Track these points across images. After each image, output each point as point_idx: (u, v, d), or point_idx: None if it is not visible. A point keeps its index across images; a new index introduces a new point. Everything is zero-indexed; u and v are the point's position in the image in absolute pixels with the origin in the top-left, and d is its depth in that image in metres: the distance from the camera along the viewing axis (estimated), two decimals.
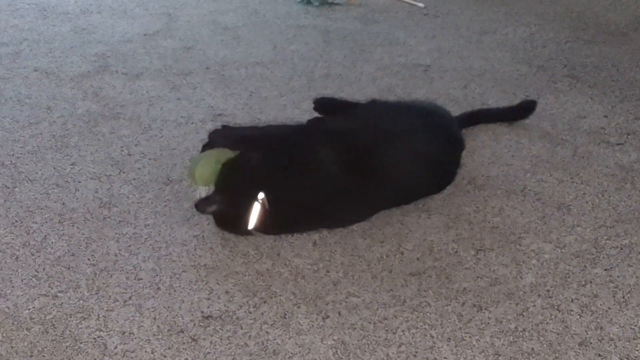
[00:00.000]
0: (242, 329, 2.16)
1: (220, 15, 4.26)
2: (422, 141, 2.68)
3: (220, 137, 2.69)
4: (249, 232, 2.50)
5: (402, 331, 2.16)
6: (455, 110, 3.13)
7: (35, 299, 2.25)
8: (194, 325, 2.17)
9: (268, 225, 2.49)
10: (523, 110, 3.20)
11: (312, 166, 2.55)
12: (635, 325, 2.20)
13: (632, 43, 3.99)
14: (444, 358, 2.08)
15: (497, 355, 2.09)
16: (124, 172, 2.82)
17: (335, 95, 3.36)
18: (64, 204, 2.66)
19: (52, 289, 2.29)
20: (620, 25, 4.21)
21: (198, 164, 2.54)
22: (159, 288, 2.30)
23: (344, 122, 2.77)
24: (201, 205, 2.50)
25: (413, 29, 4.14)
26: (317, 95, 3.33)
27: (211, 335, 2.13)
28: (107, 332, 2.14)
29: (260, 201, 2.45)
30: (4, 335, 2.12)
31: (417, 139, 2.68)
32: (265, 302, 2.26)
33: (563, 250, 2.48)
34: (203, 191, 2.53)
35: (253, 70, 3.63)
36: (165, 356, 2.07)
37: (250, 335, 2.14)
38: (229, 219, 2.52)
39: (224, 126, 2.85)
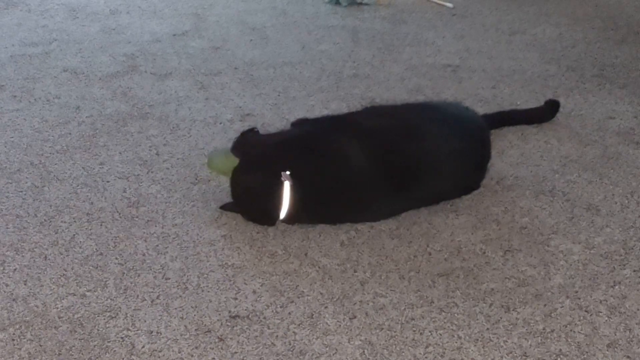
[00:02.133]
0: (269, 328, 2.16)
1: (248, 16, 4.26)
2: (451, 140, 2.67)
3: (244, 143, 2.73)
4: (275, 221, 2.53)
5: (430, 332, 2.16)
6: (484, 111, 3.11)
7: (63, 298, 2.26)
8: (221, 325, 2.17)
9: (297, 212, 2.51)
10: (548, 112, 3.19)
11: (340, 156, 2.57)
12: None
13: None
14: (472, 359, 2.08)
15: (524, 357, 2.08)
16: (152, 172, 2.83)
17: (364, 95, 3.36)
18: (92, 203, 2.67)
19: (80, 288, 2.30)
20: None
21: (215, 155, 2.78)
22: (186, 288, 2.30)
23: (373, 119, 2.77)
24: (227, 205, 2.60)
25: (442, 29, 4.13)
26: (345, 94, 3.34)
27: (238, 335, 2.14)
28: (134, 331, 2.15)
29: (288, 180, 2.48)
30: (33, 334, 2.13)
31: (447, 137, 2.67)
32: (292, 302, 2.26)
33: (592, 251, 2.47)
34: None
35: (281, 71, 3.63)
36: (192, 356, 2.07)
37: (277, 335, 2.14)
38: (259, 208, 2.55)
39: (250, 130, 2.85)
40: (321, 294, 2.29)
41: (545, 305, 2.25)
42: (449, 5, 4.42)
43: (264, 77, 3.56)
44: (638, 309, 2.24)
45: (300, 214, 2.54)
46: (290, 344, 2.11)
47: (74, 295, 2.27)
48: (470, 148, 2.71)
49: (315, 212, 2.57)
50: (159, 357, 2.07)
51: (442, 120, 2.75)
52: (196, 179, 2.79)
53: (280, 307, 2.24)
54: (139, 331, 2.15)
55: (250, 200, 2.56)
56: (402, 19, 4.25)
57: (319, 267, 2.39)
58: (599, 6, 4.45)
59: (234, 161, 2.60)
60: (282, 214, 2.51)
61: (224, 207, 2.60)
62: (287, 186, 2.48)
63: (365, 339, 2.13)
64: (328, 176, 2.55)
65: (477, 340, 2.13)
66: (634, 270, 2.39)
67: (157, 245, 2.48)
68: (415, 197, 2.62)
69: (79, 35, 3.98)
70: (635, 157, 2.95)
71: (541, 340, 2.13)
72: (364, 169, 2.55)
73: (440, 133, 2.67)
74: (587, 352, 2.10)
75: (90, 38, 3.95)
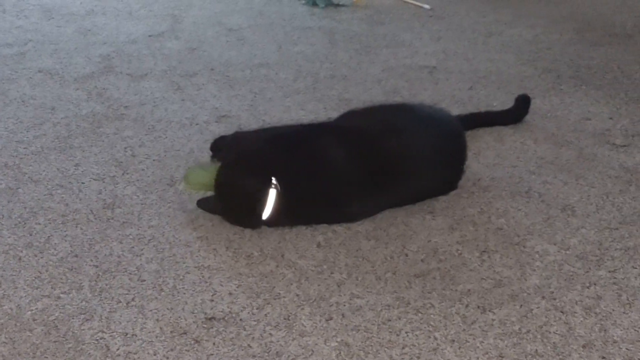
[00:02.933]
0: (245, 330, 2.15)
1: (225, 17, 4.26)
2: (428, 141, 2.67)
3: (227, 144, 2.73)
4: (259, 225, 2.52)
5: (406, 333, 2.16)
6: (460, 112, 3.12)
7: (38, 300, 2.24)
8: (197, 326, 2.16)
9: (279, 215, 2.51)
10: (521, 110, 3.20)
11: (322, 158, 2.58)
12: None
13: (638, 45, 3.99)
14: None
15: (500, 357, 2.08)
16: (127, 173, 2.82)
17: (341, 96, 3.36)
18: (67, 205, 2.66)
19: (55, 290, 2.28)
20: (626, 27, 4.20)
21: (191, 171, 2.63)
22: (162, 289, 2.29)
23: (352, 121, 2.78)
24: (203, 203, 2.59)
25: (419, 30, 4.14)
26: (322, 96, 3.34)
27: (214, 337, 2.13)
28: (109, 333, 2.14)
29: (274, 186, 2.47)
30: (7, 336, 2.11)
31: (424, 138, 2.67)
32: (268, 303, 2.25)
33: (567, 252, 2.48)
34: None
35: (258, 72, 3.63)
36: (167, 358, 2.06)
37: (253, 337, 2.13)
38: (240, 211, 2.54)
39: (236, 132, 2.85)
40: (297, 295, 2.28)
41: (521, 305, 2.26)
42: (426, 6, 4.43)
43: (240, 78, 3.55)
44: (613, 310, 2.25)
45: (282, 218, 2.53)
46: (266, 346, 2.10)
47: (49, 297, 2.26)
48: (447, 148, 2.72)
49: (297, 215, 2.56)
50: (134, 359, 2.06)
51: (418, 121, 2.76)
52: (172, 181, 2.78)
53: (257, 308, 2.23)
54: (114, 333, 2.14)
55: (234, 200, 2.55)
56: (379, 20, 4.25)
57: (295, 269, 2.39)
58: (575, 8, 4.47)
59: (212, 173, 2.57)
60: (264, 216, 2.51)
61: (200, 204, 2.59)
62: (272, 192, 2.48)
63: (342, 340, 2.13)
64: (311, 179, 2.55)
65: (454, 341, 2.13)
66: (609, 271, 2.40)
67: (133, 247, 2.46)
68: (394, 198, 2.63)
69: (54, 36, 3.96)
70: (611, 158, 2.96)
71: (517, 340, 2.14)
72: (344, 170, 2.55)
73: (417, 134, 2.68)
74: (562, 353, 2.10)
75: (65, 39, 3.93)
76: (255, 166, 2.56)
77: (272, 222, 2.53)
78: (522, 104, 3.22)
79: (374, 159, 2.58)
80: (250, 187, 2.51)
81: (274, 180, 2.48)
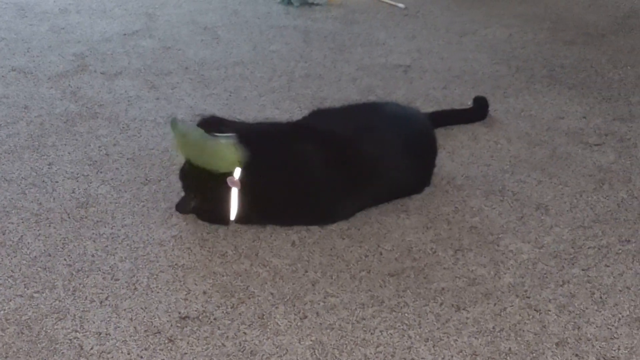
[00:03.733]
0: (219, 329, 2.15)
1: (199, 15, 4.25)
2: (400, 138, 2.68)
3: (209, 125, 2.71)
4: (227, 223, 2.54)
5: (380, 331, 2.16)
6: (434, 111, 3.13)
7: (10, 300, 2.23)
8: (171, 326, 2.16)
9: (248, 213, 2.51)
10: (481, 110, 3.21)
11: (293, 158, 2.57)
12: (612, 325, 2.20)
13: (611, 44, 4.00)
14: (422, 358, 2.08)
15: (474, 356, 2.09)
16: (101, 172, 2.81)
17: (316, 95, 3.36)
18: (40, 204, 2.64)
19: (28, 289, 2.27)
20: (599, 27, 4.22)
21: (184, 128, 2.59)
22: (135, 288, 2.29)
23: (323, 122, 2.78)
24: (180, 207, 2.56)
25: (393, 29, 4.14)
26: (296, 95, 3.34)
27: (188, 336, 2.12)
28: (83, 333, 2.13)
29: (235, 181, 2.47)
30: None
31: (396, 135, 2.68)
32: (243, 302, 2.25)
33: (541, 251, 2.49)
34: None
35: (233, 71, 3.62)
36: (141, 357, 2.06)
37: (227, 336, 2.13)
38: (211, 210, 2.54)
39: (212, 116, 2.83)
40: (272, 294, 2.28)
41: (495, 304, 2.27)
42: (401, 5, 4.43)
43: (215, 77, 3.55)
44: (587, 308, 2.26)
45: (251, 216, 2.53)
46: (240, 345, 2.10)
47: (22, 296, 2.24)
48: (419, 144, 2.73)
49: (266, 214, 2.56)
50: (108, 359, 2.05)
51: (389, 118, 2.77)
52: (146, 180, 2.77)
53: (231, 307, 2.23)
54: (88, 333, 2.13)
55: (200, 199, 2.54)
56: (354, 19, 4.26)
57: (269, 268, 2.38)
58: (549, 7, 4.49)
59: (195, 144, 2.53)
60: (232, 216, 2.51)
61: (179, 207, 2.58)
62: (234, 192, 2.48)
63: (316, 338, 2.13)
64: (280, 178, 2.55)
65: (428, 339, 2.14)
66: (583, 269, 2.41)
67: (107, 246, 2.45)
68: (367, 198, 2.63)
69: (27, 34, 3.94)
70: (584, 157, 2.98)
71: (491, 339, 2.14)
72: (316, 170, 2.55)
73: (387, 132, 2.68)
74: (536, 351, 2.11)
75: (39, 37, 3.91)
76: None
77: (242, 220, 2.53)
78: (481, 103, 3.23)
79: (346, 159, 2.57)
80: (214, 186, 2.51)
81: (230, 181, 2.47)
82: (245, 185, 2.48)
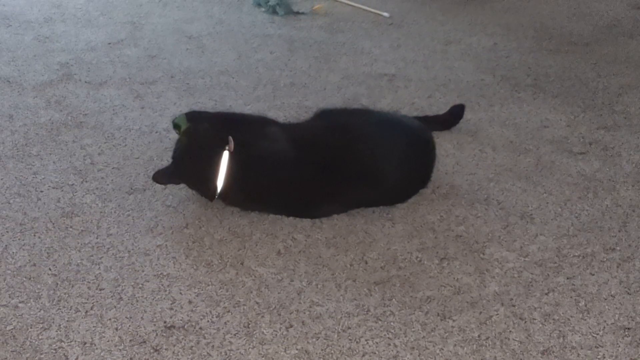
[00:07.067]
0: (205, 338, 2.15)
1: (185, 24, 4.24)
2: (391, 142, 2.70)
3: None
4: (213, 193, 2.60)
5: (366, 340, 2.16)
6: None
7: None
8: (157, 335, 2.15)
9: (233, 192, 2.58)
10: (453, 117, 3.22)
11: (283, 148, 2.65)
12: (597, 334, 2.21)
13: (595, 53, 4.02)
14: None
15: None
16: (86, 182, 2.81)
17: (301, 104, 3.37)
18: (25, 213, 2.64)
19: (12, 299, 2.27)
20: (583, 36, 4.24)
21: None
22: (121, 298, 2.28)
23: (315, 121, 2.84)
24: (158, 175, 2.66)
25: (378, 38, 4.15)
26: (282, 104, 3.34)
27: (174, 346, 2.12)
28: (68, 342, 2.12)
29: (228, 147, 2.56)
30: None
31: (387, 140, 2.70)
32: (228, 311, 2.25)
33: (526, 259, 2.49)
34: None
35: (218, 79, 3.62)
36: None
37: (213, 345, 2.13)
38: (198, 176, 2.61)
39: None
40: (257, 303, 2.28)
41: (480, 312, 2.27)
42: (385, 14, 4.44)
43: (200, 86, 3.54)
44: (572, 316, 2.27)
45: (237, 193, 2.59)
46: (226, 354, 2.10)
47: (6, 306, 2.24)
48: (418, 149, 2.77)
49: (252, 196, 2.63)
50: None
51: (389, 122, 2.83)
52: (131, 189, 2.77)
53: (216, 317, 2.23)
54: (73, 342, 2.12)
55: (189, 163, 2.63)
56: (339, 28, 4.26)
57: (255, 277, 2.38)
58: (533, 17, 4.50)
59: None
60: (219, 185, 2.57)
61: (156, 177, 2.66)
62: (225, 155, 2.55)
63: (302, 348, 2.13)
64: (269, 159, 2.60)
65: (413, 348, 2.14)
66: (568, 278, 2.42)
67: (92, 256, 2.45)
68: (360, 199, 2.68)
69: (12, 44, 3.93)
70: (569, 166, 2.99)
71: (476, 347, 2.15)
72: (306, 166, 2.61)
73: (386, 134, 2.72)
74: (521, 359, 2.11)
75: (23, 46, 3.90)
76: (214, 132, 2.64)
77: (227, 197, 2.60)
78: (455, 113, 3.24)
79: (343, 160, 2.62)
80: (205, 147, 2.59)
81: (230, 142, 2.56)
82: (235, 159, 2.55)
